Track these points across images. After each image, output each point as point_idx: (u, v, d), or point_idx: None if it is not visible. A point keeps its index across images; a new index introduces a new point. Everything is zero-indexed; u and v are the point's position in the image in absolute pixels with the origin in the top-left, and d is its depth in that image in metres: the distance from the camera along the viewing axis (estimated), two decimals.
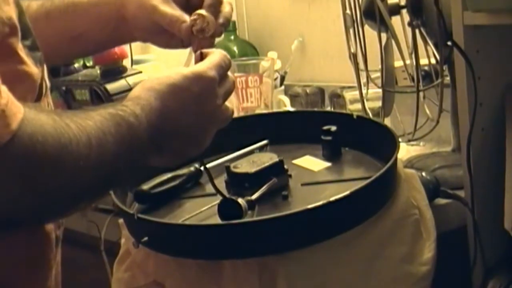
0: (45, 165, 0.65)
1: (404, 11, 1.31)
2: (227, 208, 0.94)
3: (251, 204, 0.95)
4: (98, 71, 1.59)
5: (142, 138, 0.76)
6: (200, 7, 0.92)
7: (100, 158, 0.70)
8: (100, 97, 1.50)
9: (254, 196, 0.96)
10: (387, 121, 1.40)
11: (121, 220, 1.06)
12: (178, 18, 0.92)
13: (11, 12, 0.72)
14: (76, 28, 0.98)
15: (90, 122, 0.70)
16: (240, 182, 1.02)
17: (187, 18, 0.91)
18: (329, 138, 1.12)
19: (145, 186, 1.05)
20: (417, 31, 1.27)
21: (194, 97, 0.81)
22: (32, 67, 0.75)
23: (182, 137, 0.81)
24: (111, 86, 1.51)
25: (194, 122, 0.81)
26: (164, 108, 0.78)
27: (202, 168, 1.08)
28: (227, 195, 0.99)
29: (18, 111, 0.64)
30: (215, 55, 0.85)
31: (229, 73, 0.86)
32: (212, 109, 0.83)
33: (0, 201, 0.64)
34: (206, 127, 0.83)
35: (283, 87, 1.96)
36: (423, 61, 1.31)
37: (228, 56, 0.86)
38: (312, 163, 1.12)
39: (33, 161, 0.65)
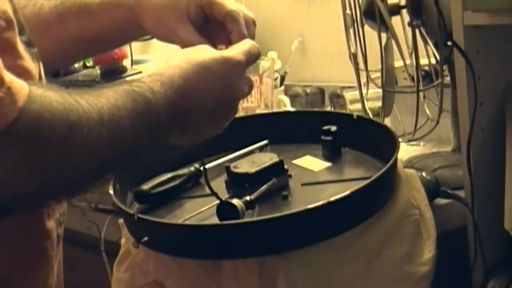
0: (52, 143, 0.65)
1: (404, 11, 1.31)
2: (224, 210, 0.94)
3: (250, 204, 0.95)
4: (98, 71, 1.60)
5: (160, 114, 0.75)
6: (218, 24, 0.93)
7: (114, 134, 0.70)
8: None
9: (253, 196, 0.96)
10: (387, 121, 1.40)
11: (121, 220, 1.06)
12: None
13: (6, 6, 0.71)
14: (91, 31, 0.97)
15: (102, 99, 0.70)
16: (240, 182, 1.02)
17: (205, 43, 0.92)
18: (329, 138, 1.12)
19: (145, 186, 1.05)
20: (417, 31, 1.27)
21: (221, 80, 0.82)
22: (30, 63, 0.75)
23: (204, 118, 0.81)
24: None
25: (218, 104, 0.82)
26: (187, 87, 0.79)
27: (202, 168, 1.08)
28: (226, 196, 1.00)
29: (23, 87, 0.64)
30: (245, 43, 0.87)
31: None
32: (239, 95, 0.85)
33: (9, 181, 0.63)
34: (228, 112, 0.84)
35: (283, 87, 1.96)
36: (423, 61, 1.31)
37: (257, 45, 0.88)
38: (312, 163, 1.12)
39: (40, 139, 0.64)
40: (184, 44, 0.91)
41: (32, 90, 0.64)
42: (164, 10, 0.94)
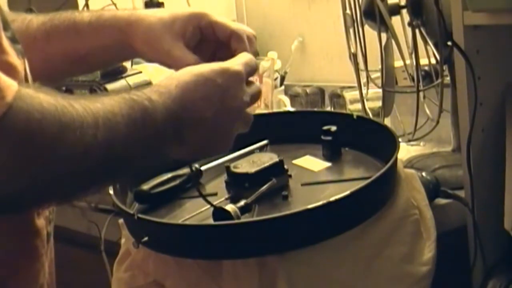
0: (42, 143, 0.64)
1: (404, 11, 1.31)
2: (219, 215, 0.94)
3: (245, 208, 0.95)
4: (98, 71, 1.59)
5: (157, 122, 0.75)
6: (215, 44, 0.93)
7: (109, 139, 0.69)
8: None
9: (249, 200, 0.96)
10: (387, 121, 1.40)
11: (121, 220, 1.06)
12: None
13: None
14: (79, 50, 0.96)
15: (98, 104, 0.70)
16: (240, 182, 1.02)
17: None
18: (329, 138, 1.12)
19: (145, 186, 1.05)
20: (417, 31, 1.27)
21: (219, 89, 0.81)
22: (15, 59, 0.74)
23: (204, 130, 0.81)
24: (111, 86, 1.51)
25: (217, 115, 0.81)
26: (185, 97, 0.79)
27: (194, 171, 1.08)
28: (226, 196, 1.00)
29: (12, 84, 0.63)
30: (243, 55, 0.87)
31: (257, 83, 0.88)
32: (238, 105, 0.84)
33: None
34: (229, 123, 0.84)
35: (283, 87, 1.96)
36: (423, 61, 1.31)
37: (255, 59, 0.87)
38: (312, 163, 1.12)
39: (29, 138, 0.63)
40: (178, 64, 0.89)
41: (22, 89, 0.64)
42: (157, 31, 0.92)
